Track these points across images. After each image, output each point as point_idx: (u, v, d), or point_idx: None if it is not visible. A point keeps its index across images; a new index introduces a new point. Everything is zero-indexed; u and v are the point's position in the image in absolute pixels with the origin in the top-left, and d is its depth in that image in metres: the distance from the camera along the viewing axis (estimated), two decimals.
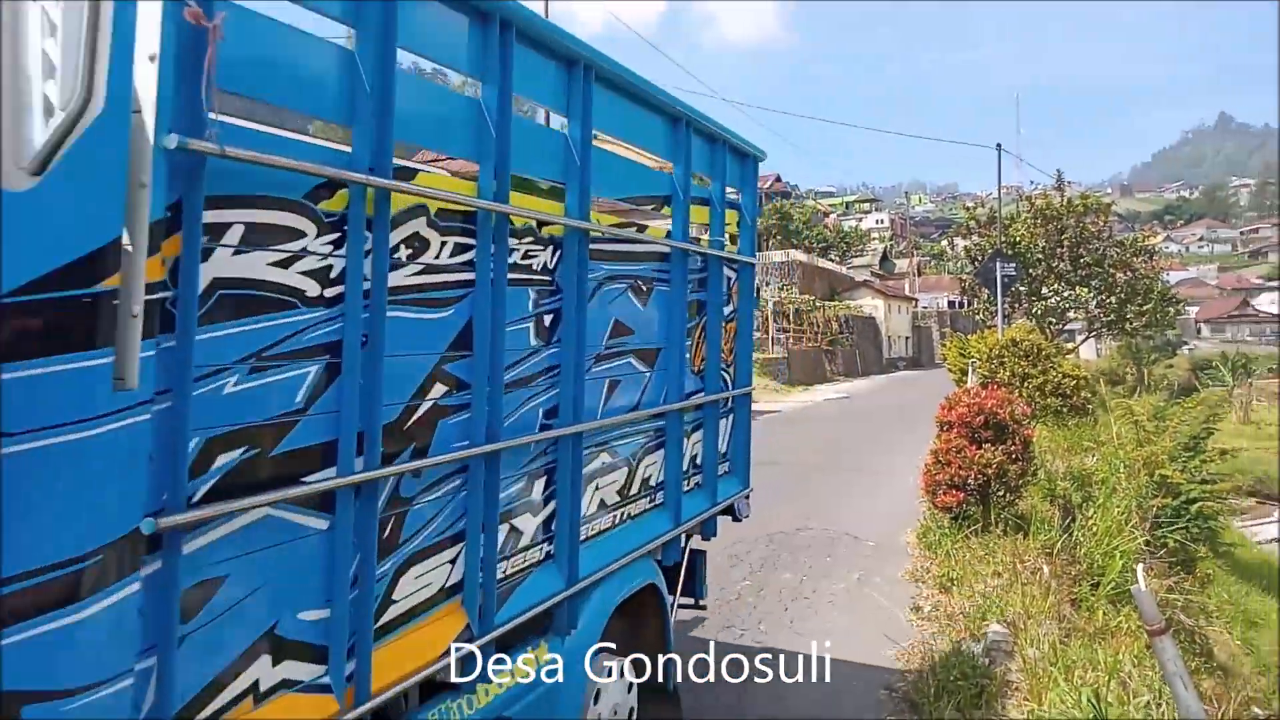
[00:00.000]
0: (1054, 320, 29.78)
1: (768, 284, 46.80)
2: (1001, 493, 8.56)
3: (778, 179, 79.05)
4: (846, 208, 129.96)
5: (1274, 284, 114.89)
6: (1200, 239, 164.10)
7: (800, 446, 17.54)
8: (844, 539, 9.11)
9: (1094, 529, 8.11)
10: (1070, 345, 31.95)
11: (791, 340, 41.12)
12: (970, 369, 15.84)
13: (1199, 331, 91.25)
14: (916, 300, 67.98)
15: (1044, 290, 29.77)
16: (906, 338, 60.87)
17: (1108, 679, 4.29)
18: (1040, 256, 28.94)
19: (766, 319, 40.70)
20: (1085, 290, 29.88)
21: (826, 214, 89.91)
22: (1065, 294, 30.09)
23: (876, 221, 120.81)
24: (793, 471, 14.18)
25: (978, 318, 31.73)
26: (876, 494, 11.83)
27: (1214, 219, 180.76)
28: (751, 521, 9.66)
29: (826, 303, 48.29)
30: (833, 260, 61.51)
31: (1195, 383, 63.70)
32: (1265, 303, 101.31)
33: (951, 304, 69.71)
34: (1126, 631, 5.81)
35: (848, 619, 6.62)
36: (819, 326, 44.19)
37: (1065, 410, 14.27)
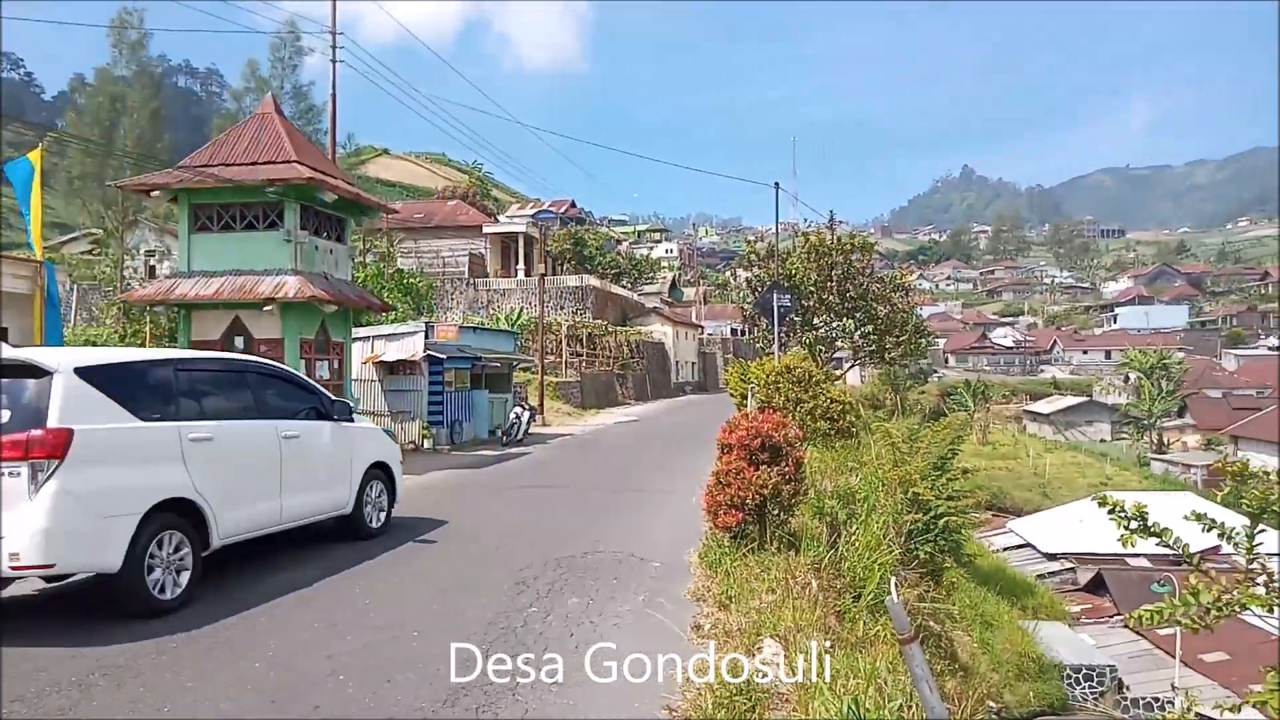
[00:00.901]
0: (824, 349, 32.00)
1: (562, 308, 47.16)
2: (776, 512, 9.04)
3: (573, 204, 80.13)
4: (638, 236, 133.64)
5: (1007, 320, 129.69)
6: (948, 277, 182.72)
7: (592, 468, 17.75)
8: (631, 560, 9.27)
9: (857, 544, 8.75)
10: (838, 372, 34.45)
11: (585, 364, 41.57)
12: (750, 394, 16.69)
13: (946, 361, 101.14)
14: (703, 327, 70.88)
15: (816, 321, 31.95)
16: (693, 363, 63.22)
17: (866, 686, 4.64)
18: (813, 289, 31.07)
19: (560, 342, 40.97)
20: (851, 322, 32.37)
21: (619, 241, 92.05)
22: (834, 325, 32.46)
23: (666, 251, 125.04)
24: (584, 494, 14.32)
25: (758, 345, 33.54)
26: (663, 514, 12.15)
27: (959, 260, 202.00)
28: (541, 545, 9.72)
29: (619, 328, 49.32)
30: (625, 287, 62.93)
31: (943, 407, 70.77)
32: (1000, 336, 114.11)
33: (734, 331, 73.34)
34: (884, 640, 6.31)
35: (633, 640, 6.73)
36: (611, 351, 45.02)
37: (833, 433, 15.35)
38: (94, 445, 6.35)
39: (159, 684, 5.29)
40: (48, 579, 7.23)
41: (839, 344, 34.02)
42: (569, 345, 41.62)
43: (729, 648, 6.39)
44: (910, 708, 4.48)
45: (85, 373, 6.56)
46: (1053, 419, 74.28)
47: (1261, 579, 7.19)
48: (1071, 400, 77.76)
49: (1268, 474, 7.50)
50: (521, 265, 51.54)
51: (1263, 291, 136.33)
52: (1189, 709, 8.82)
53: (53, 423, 6.13)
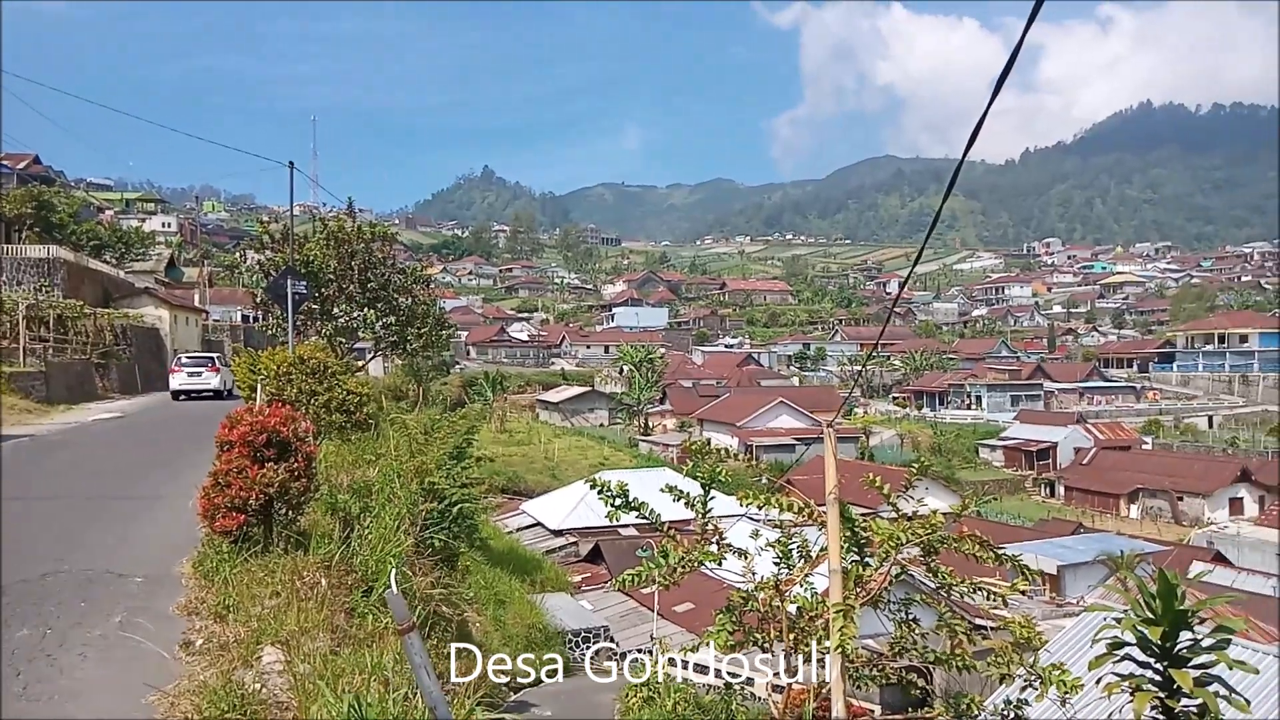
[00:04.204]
0: (345, 339, 31.06)
1: (21, 283, 39.27)
2: (284, 511, 8.51)
3: (36, 160, 67.04)
4: (127, 205, 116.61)
5: (525, 315, 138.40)
6: (470, 272, 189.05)
7: (58, 475, 15.04)
8: (105, 578, 8.02)
9: (371, 538, 8.59)
10: (360, 363, 33.71)
11: (52, 352, 35.15)
12: (259, 386, 15.52)
13: (468, 353, 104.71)
14: (207, 312, 64.24)
15: (336, 310, 30.87)
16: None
17: (369, 681, 4.55)
18: (332, 277, 29.94)
19: (18, 325, 34.05)
20: (373, 312, 31.85)
21: (102, 209, 79.27)
22: (355, 315, 31.65)
23: (163, 225, 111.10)
24: (44, 505, 12.03)
25: (270, 333, 31.39)
26: (151, 523, 10.73)
27: (480, 256, 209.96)
28: None
29: (100, 310, 42.50)
30: (108, 262, 54.49)
31: (465, 397, 73.20)
32: (517, 330, 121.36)
33: (246, 318, 67.71)
34: (392, 632, 6.26)
35: (103, 669, 5.82)
36: (89, 337, 38.63)
37: (349, 426, 14.92)
38: (220, 369, 32.32)
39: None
40: (215, 394, 31.27)
41: (361, 334, 33.28)
42: (30, 329, 34.80)
43: (224, 662, 5.85)
44: (415, 696, 4.49)
45: (219, 357, 35.95)
46: (561, 407, 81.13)
47: (714, 538, 8.53)
48: (577, 390, 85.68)
49: (719, 450, 8.93)
50: None
51: (721, 298, 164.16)
52: (662, 654, 10.14)
53: (217, 364, 32.80)
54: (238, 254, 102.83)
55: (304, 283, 23.46)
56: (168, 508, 11.51)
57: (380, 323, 32.33)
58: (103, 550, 9.09)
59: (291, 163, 25.70)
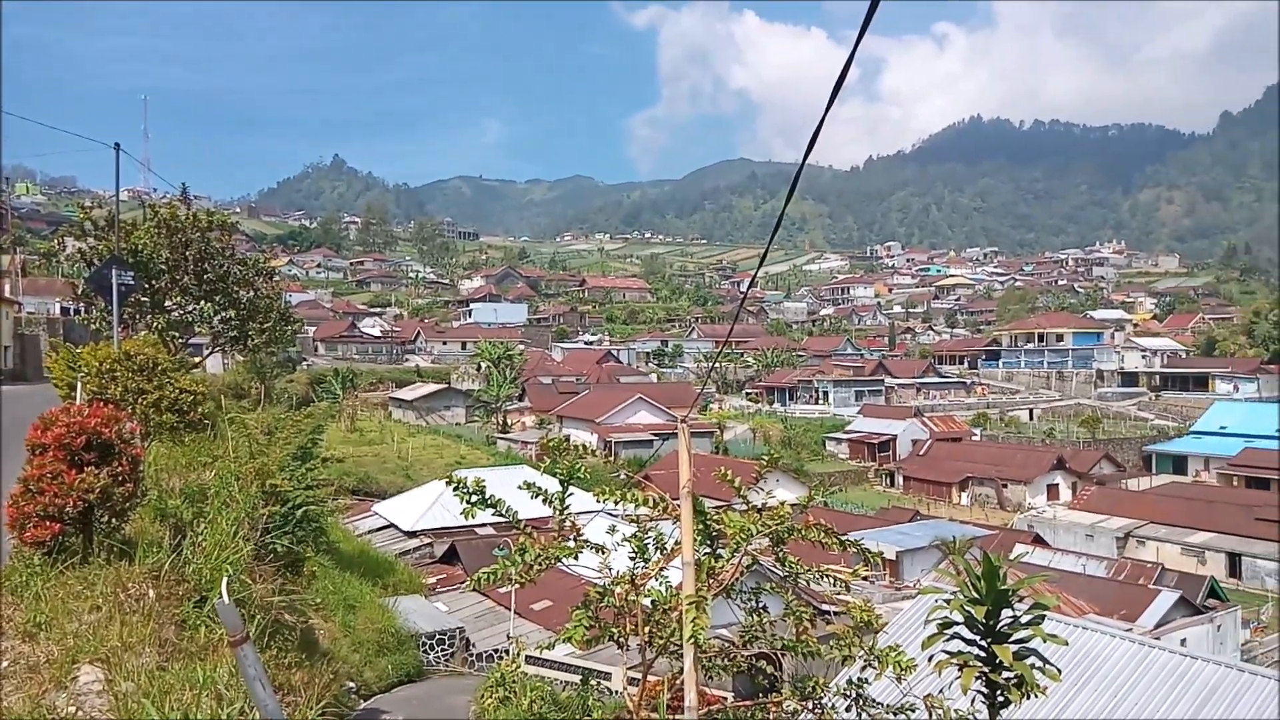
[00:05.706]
0: (178, 334, 29.12)
1: None
2: (106, 518, 7.89)
3: None
4: None
5: (376, 310, 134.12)
6: (318, 265, 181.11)
7: None
8: None
9: (205, 545, 8.08)
10: (196, 359, 31.71)
11: None
12: (80, 384, 14.34)
13: (316, 349, 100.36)
14: (20, 304, 58.94)
15: (168, 303, 28.88)
16: (7, 347, 52.25)
17: (199, 696, 4.27)
18: (164, 268, 27.99)
19: None
20: (210, 306, 29.97)
21: None
22: (190, 308, 29.71)
23: None
24: None
25: (94, 328, 29.05)
26: None
27: (329, 248, 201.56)
28: None
29: None
30: None
31: (312, 395, 70.22)
32: (369, 325, 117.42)
33: (65, 311, 62.60)
34: (226, 644, 5.91)
35: None
36: None
37: (182, 426, 13.99)
38: None
39: None
40: None
41: (197, 329, 31.29)
42: None
43: (34, 685, 5.36)
44: (251, 710, 4.25)
45: None
46: (416, 405, 79.03)
47: (572, 534, 8.50)
48: (433, 387, 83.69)
49: (578, 447, 8.94)
50: None
51: (581, 295, 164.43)
52: (518, 654, 10.04)
53: None
54: (56, 241, 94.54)
55: (131, 273, 21.79)
56: None
57: (218, 317, 30.46)
58: None
59: (118, 144, 23.74)
